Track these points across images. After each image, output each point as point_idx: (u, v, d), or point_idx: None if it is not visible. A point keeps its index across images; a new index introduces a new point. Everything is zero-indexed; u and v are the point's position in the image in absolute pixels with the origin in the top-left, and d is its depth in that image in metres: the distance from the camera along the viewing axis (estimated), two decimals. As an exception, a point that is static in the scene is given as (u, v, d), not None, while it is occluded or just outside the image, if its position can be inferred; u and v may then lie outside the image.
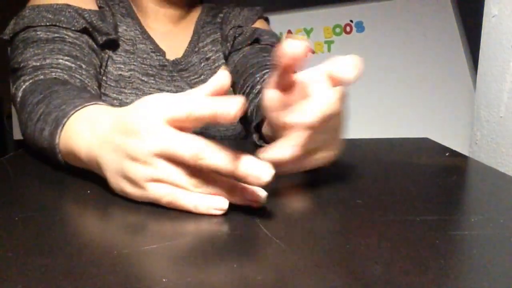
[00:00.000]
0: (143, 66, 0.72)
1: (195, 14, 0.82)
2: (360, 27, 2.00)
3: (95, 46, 0.67)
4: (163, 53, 0.75)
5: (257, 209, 0.35)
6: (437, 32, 1.94)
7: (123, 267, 0.25)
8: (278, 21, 1.88)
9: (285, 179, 0.45)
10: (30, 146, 0.53)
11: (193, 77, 0.76)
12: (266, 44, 0.76)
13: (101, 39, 0.67)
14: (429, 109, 1.92)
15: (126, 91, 0.70)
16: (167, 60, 0.74)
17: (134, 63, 0.72)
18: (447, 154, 0.56)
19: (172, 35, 0.78)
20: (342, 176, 0.46)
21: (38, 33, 0.62)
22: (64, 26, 0.63)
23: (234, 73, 0.75)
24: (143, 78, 0.72)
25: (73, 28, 0.63)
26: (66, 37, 0.63)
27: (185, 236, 0.30)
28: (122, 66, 0.70)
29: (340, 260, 0.26)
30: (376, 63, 1.96)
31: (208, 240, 0.29)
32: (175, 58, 0.76)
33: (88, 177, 0.43)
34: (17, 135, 2.50)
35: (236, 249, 0.28)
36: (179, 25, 0.79)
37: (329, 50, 2.00)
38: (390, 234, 0.30)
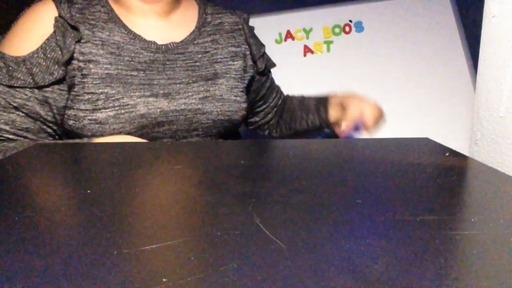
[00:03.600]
0: (132, 63, 0.72)
1: (190, 9, 0.83)
2: (359, 27, 2.00)
3: (47, 97, 0.71)
4: (154, 44, 0.75)
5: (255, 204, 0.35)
6: (437, 32, 1.94)
7: (123, 267, 0.25)
8: (278, 21, 1.88)
9: (285, 179, 0.45)
10: None
11: (189, 61, 0.77)
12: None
13: (48, 80, 0.70)
14: (429, 109, 1.92)
15: (113, 85, 0.70)
16: (161, 47, 0.75)
17: (121, 63, 0.72)
18: (447, 154, 0.56)
19: (163, 28, 0.78)
20: (342, 176, 0.46)
21: None
22: (18, 85, 0.68)
23: (263, 88, 0.94)
24: (132, 73, 0.72)
25: (29, 86, 0.69)
26: (20, 102, 0.69)
27: (185, 236, 0.30)
28: (108, 66, 0.71)
29: (340, 260, 0.26)
30: (375, 63, 1.96)
31: (208, 240, 0.29)
32: (171, 42, 0.76)
33: (88, 177, 0.43)
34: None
35: (236, 249, 0.28)
36: (170, 19, 0.79)
37: (328, 50, 2.00)
38: (390, 234, 0.30)
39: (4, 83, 0.68)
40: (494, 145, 0.57)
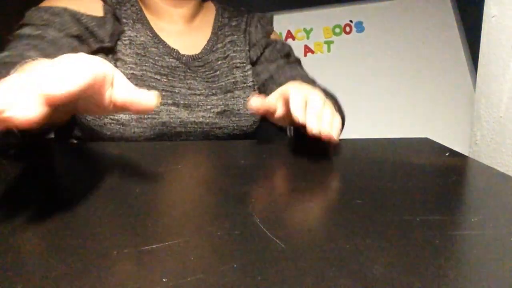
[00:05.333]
0: (156, 66, 0.73)
1: (208, 13, 0.83)
2: (359, 27, 2.00)
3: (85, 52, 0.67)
4: (176, 52, 0.75)
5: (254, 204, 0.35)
6: (437, 32, 1.94)
7: (123, 267, 0.25)
8: (278, 21, 1.88)
9: (285, 179, 0.45)
10: None
11: (209, 73, 0.78)
12: (294, 60, 0.85)
13: (95, 46, 0.68)
14: (429, 109, 1.92)
15: (138, 87, 0.70)
16: (182, 57, 0.76)
17: (146, 64, 0.72)
18: (447, 154, 0.56)
19: (186, 34, 0.79)
20: (342, 176, 0.46)
21: (25, 29, 0.63)
22: (57, 27, 0.64)
23: (269, 79, 0.82)
24: (155, 77, 0.73)
25: (67, 31, 0.65)
26: (48, 35, 0.63)
27: (185, 236, 0.30)
28: (133, 66, 0.71)
29: (340, 260, 0.26)
30: (375, 63, 1.96)
31: (208, 240, 0.29)
32: (193, 54, 0.77)
33: (88, 177, 0.43)
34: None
35: (236, 249, 0.28)
36: (192, 24, 0.80)
37: (328, 50, 2.01)
38: (390, 234, 0.30)
39: (67, 31, 0.65)
40: (494, 145, 0.57)
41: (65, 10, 0.66)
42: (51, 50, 0.63)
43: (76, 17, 0.66)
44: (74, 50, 0.65)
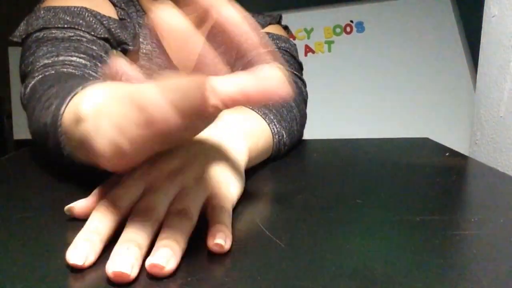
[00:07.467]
0: None
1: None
2: (360, 27, 2.00)
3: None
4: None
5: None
6: (437, 32, 1.94)
7: (123, 267, 0.25)
8: (278, 21, 1.88)
9: (284, 179, 0.45)
10: (35, 137, 0.46)
11: None
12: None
13: (118, 48, 0.63)
14: (429, 109, 1.92)
15: None
16: None
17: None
18: (447, 154, 0.56)
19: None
20: (342, 176, 0.46)
21: (53, 31, 0.57)
22: (82, 29, 0.58)
23: None
24: None
25: (92, 33, 0.59)
26: (84, 38, 0.58)
27: (185, 236, 0.30)
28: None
29: (340, 260, 0.26)
30: (376, 63, 1.96)
31: (208, 240, 0.29)
32: None
33: (88, 177, 0.43)
34: (17, 135, 2.50)
35: (236, 249, 0.28)
36: None
37: (329, 50, 2.01)
38: (390, 234, 0.30)
39: (93, 33, 0.59)
40: (494, 145, 0.57)
41: (86, 9, 0.60)
42: (93, 52, 0.58)
43: (97, 17, 0.61)
44: (108, 51, 0.60)
